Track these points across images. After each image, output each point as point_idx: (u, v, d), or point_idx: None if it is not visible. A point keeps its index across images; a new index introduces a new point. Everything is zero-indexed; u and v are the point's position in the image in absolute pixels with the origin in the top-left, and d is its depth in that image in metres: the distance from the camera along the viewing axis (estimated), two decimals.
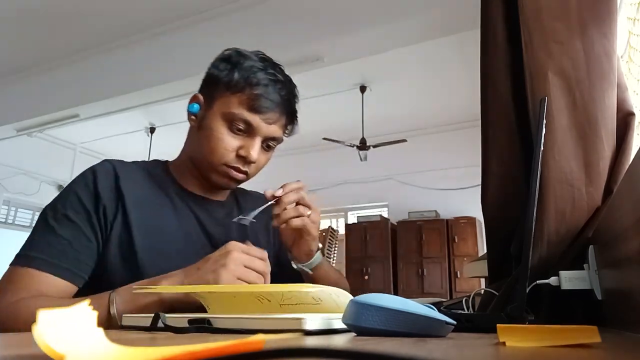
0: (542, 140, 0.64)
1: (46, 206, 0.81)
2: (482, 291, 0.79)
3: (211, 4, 3.70)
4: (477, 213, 5.56)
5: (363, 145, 5.15)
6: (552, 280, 0.63)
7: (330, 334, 0.48)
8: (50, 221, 0.78)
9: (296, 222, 0.84)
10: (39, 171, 6.51)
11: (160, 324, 0.52)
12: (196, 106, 0.89)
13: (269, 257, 0.81)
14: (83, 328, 0.22)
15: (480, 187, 0.85)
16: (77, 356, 0.19)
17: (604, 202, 0.69)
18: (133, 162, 0.91)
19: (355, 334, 0.45)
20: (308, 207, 0.86)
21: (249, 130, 0.85)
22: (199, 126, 0.88)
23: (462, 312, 0.75)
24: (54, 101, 4.52)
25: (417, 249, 5.94)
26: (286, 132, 0.92)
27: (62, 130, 5.49)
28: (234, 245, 0.72)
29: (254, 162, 0.86)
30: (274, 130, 0.87)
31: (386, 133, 5.83)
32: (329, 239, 5.44)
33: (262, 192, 1.01)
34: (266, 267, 0.73)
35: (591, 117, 0.71)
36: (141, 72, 4.01)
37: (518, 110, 0.78)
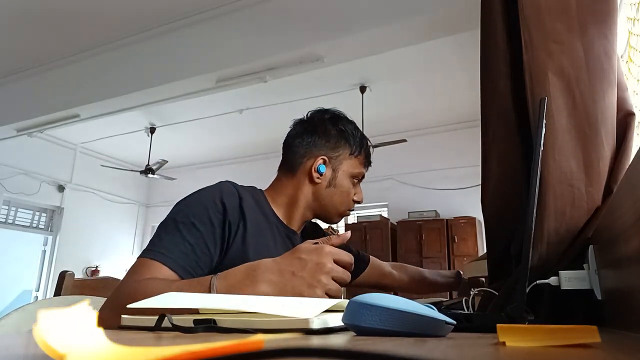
0: (542, 140, 0.64)
1: (174, 210, 0.92)
2: (482, 291, 0.79)
3: (211, 4, 3.70)
4: (477, 213, 5.56)
5: None
6: (552, 280, 0.63)
7: (330, 334, 0.48)
8: (179, 225, 0.88)
9: None
10: (39, 171, 6.51)
11: (166, 324, 0.52)
12: (323, 167, 1.08)
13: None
14: (83, 328, 0.22)
15: (480, 187, 0.85)
16: (77, 356, 0.19)
17: (604, 202, 0.69)
18: (242, 186, 1.03)
19: (355, 334, 0.45)
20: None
21: (360, 180, 1.13)
22: (329, 184, 1.07)
23: (462, 312, 0.75)
24: (54, 101, 4.52)
25: (417, 248, 5.94)
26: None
27: (62, 130, 5.49)
28: (328, 253, 0.76)
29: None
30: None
31: (386, 133, 5.83)
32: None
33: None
34: (348, 276, 0.79)
35: (591, 117, 0.71)
36: (141, 72, 4.01)
37: (518, 110, 0.78)
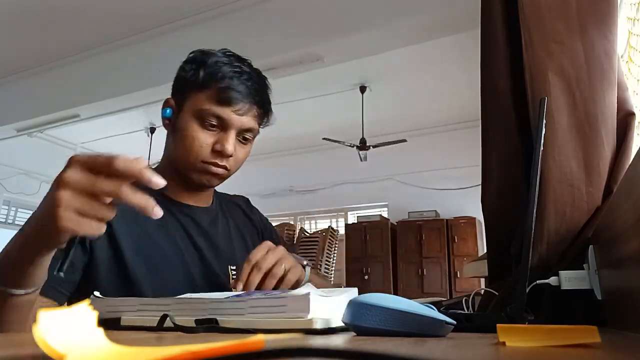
0: (542, 140, 0.64)
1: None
2: (482, 291, 0.79)
3: (211, 4, 3.70)
4: (477, 213, 5.56)
5: (363, 145, 5.15)
6: (552, 280, 0.63)
7: (330, 334, 0.48)
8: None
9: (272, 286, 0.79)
10: (39, 171, 6.51)
11: (169, 324, 0.51)
12: (169, 110, 0.89)
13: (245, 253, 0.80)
14: (83, 328, 0.22)
15: (480, 187, 0.85)
16: (77, 356, 0.19)
17: (604, 202, 0.69)
18: None
19: (355, 334, 0.45)
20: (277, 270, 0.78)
21: (221, 125, 0.85)
22: (173, 129, 0.88)
23: (462, 312, 0.75)
24: (54, 101, 4.52)
25: (417, 249, 5.94)
26: (262, 123, 0.92)
27: (62, 130, 5.49)
28: (66, 176, 0.50)
29: (230, 156, 0.86)
30: (247, 121, 0.86)
31: (386, 133, 5.83)
32: (329, 239, 5.44)
33: (241, 195, 1.05)
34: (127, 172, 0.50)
35: (591, 117, 0.71)
36: (141, 72, 4.01)
37: (518, 110, 0.78)
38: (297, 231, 5.72)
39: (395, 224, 6.24)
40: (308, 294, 0.48)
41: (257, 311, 0.51)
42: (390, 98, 5.49)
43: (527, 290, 0.57)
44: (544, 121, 0.64)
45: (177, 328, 0.49)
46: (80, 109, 4.46)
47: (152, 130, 6.25)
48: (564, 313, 0.65)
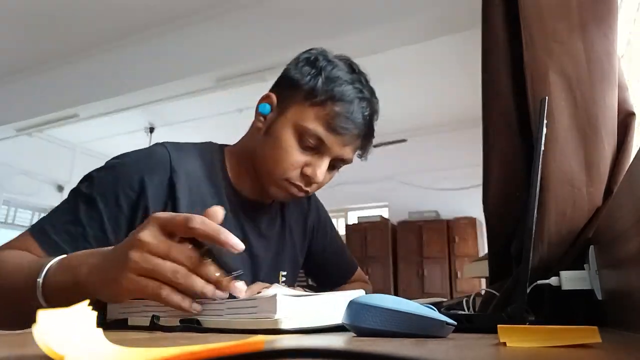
0: (543, 140, 0.63)
1: (83, 177, 0.73)
2: (483, 291, 0.79)
3: (211, 4, 3.70)
4: (477, 213, 5.56)
5: None
6: (553, 280, 0.63)
7: (331, 334, 0.48)
8: (78, 197, 0.70)
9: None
10: (39, 171, 6.51)
11: (144, 323, 0.55)
12: (267, 107, 0.79)
13: (299, 254, 0.80)
14: (83, 328, 0.22)
15: (480, 187, 0.85)
16: (77, 356, 0.19)
17: (605, 203, 0.69)
18: (189, 145, 0.82)
19: (355, 335, 0.45)
20: None
21: (319, 148, 0.76)
22: (266, 130, 0.79)
23: (463, 312, 0.75)
24: (54, 101, 4.52)
25: (417, 249, 5.94)
26: (358, 154, 0.84)
27: (62, 130, 5.49)
28: (142, 237, 0.50)
29: (317, 183, 0.79)
30: (347, 152, 0.79)
31: (386, 133, 5.83)
32: None
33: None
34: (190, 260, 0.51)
35: (592, 117, 0.71)
36: (141, 72, 4.01)
37: (518, 110, 0.78)
38: None
39: (396, 224, 6.24)
40: (275, 295, 0.49)
41: (233, 312, 0.52)
42: (390, 98, 5.49)
43: (527, 291, 0.57)
44: (545, 121, 0.64)
45: (160, 328, 0.52)
46: (80, 109, 4.46)
47: (152, 130, 6.25)
48: (564, 313, 0.65)
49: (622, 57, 1.07)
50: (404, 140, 5.22)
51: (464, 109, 5.49)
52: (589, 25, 0.73)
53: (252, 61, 3.58)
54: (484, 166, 0.84)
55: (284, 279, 0.90)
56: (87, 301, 0.24)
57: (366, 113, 0.78)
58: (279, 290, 0.51)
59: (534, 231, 0.59)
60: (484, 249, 5.46)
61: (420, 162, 6.31)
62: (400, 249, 6.07)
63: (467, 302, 0.79)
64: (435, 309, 0.46)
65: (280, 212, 0.94)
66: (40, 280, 0.56)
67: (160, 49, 3.96)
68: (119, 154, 0.78)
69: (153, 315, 0.55)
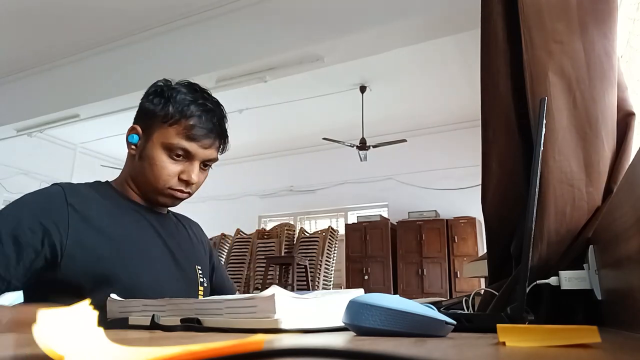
0: (542, 140, 0.64)
1: None
2: (482, 291, 0.79)
3: (211, 4, 3.70)
4: (477, 213, 5.56)
5: (363, 145, 5.16)
6: (552, 280, 0.63)
7: (330, 334, 0.48)
8: None
9: None
10: (39, 171, 6.51)
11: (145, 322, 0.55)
12: (135, 137, 0.96)
13: (204, 263, 0.97)
14: (83, 328, 0.22)
15: (480, 187, 0.85)
16: (77, 356, 0.19)
17: (604, 202, 0.69)
18: (79, 184, 0.96)
19: (355, 334, 0.45)
20: None
21: (187, 156, 0.92)
22: (140, 156, 0.94)
23: (462, 312, 0.75)
24: (54, 101, 4.52)
25: (417, 249, 5.94)
26: (219, 151, 1.00)
27: (62, 130, 5.49)
28: None
29: (194, 184, 0.94)
30: (210, 153, 0.95)
31: (386, 133, 5.84)
32: (329, 239, 5.44)
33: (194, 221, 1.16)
34: None
35: (591, 117, 0.71)
36: (141, 72, 4.01)
37: (518, 110, 0.78)
38: (297, 231, 5.72)
39: (395, 224, 6.24)
40: (273, 295, 0.49)
41: (232, 312, 0.53)
42: (390, 98, 5.50)
43: (527, 290, 0.57)
44: (544, 121, 0.64)
45: (160, 327, 0.53)
46: (80, 109, 4.46)
47: None
48: (564, 313, 0.65)
49: (622, 57, 1.07)
50: (404, 140, 5.22)
51: (464, 109, 5.49)
52: (589, 25, 0.73)
53: (252, 61, 3.58)
54: (483, 166, 0.84)
55: (200, 272, 1.00)
56: (88, 301, 0.24)
57: (214, 120, 0.95)
58: (277, 290, 0.51)
59: (533, 231, 0.59)
60: (483, 248, 5.46)
61: (420, 162, 6.31)
62: (399, 248, 6.07)
63: (467, 301, 0.79)
64: (435, 308, 0.46)
65: (178, 222, 1.08)
66: None
67: (161, 49, 3.96)
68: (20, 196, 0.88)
69: (153, 315, 0.56)
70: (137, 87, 4.03)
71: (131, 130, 0.97)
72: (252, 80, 3.77)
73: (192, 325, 0.53)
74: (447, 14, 2.95)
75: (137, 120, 0.99)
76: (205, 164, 0.97)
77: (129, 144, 0.97)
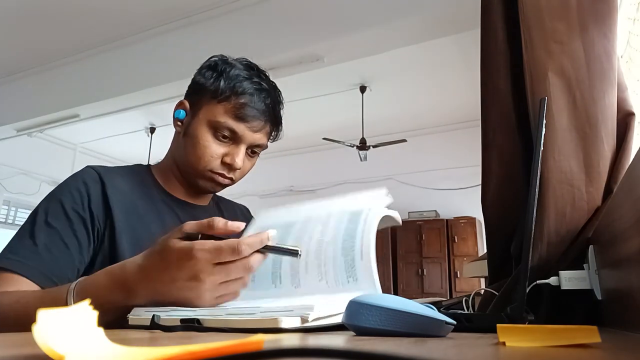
0: (542, 140, 0.64)
1: (32, 211, 0.80)
2: (482, 291, 0.79)
3: (211, 4, 3.70)
4: (477, 213, 5.56)
5: (363, 145, 5.15)
6: (552, 280, 0.63)
7: (330, 334, 0.48)
8: (31, 225, 0.77)
9: None
10: (39, 171, 6.51)
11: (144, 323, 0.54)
12: (182, 112, 0.90)
13: None
14: (83, 328, 0.22)
15: (480, 187, 0.85)
16: (77, 356, 0.19)
17: (604, 202, 0.69)
18: (116, 167, 0.91)
19: (355, 334, 0.45)
20: None
21: (234, 138, 0.86)
22: (184, 132, 0.88)
23: (462, 312, 0.75)
24: (54, 101, 4.52)
25: (417, 249, 5.94)
26: (270, 138, 0.94)
27: (62, 130, 5.49)
28: (201, 261, 0.58)
29: (238, 169, 0.88)
30: (259, 137, 0.88)
31: (386, 133, 5.83)
32: None
33: (243, 204, 1.09)
34: (244, 266, 0.59)
35: (591, 117, 0.71)
36: (141, 72, 4.01)
37: (518, 110, 0.78)
38: None
39: None
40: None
41: (233, 311, 0.53)
42: (390, 98, 5.49)
43: (527, 290, 0.57)
44: (544, 121, 0.64)
45: (160, 327, 0.52)
46: (80, 109, 4.46)
47: (152, 130, 6.25)
48: (564, 313, 0.65)
49: (622, 57, 1.07)
50: (404, 140, 5.22)
51: (464, 109, 5.49)
52: (589, 25, 0.73)
53: (252, 61, 3.58)
54: (483, 166, 0.84)
55: None
56: (88, 300, 0.24)
57: (267, 101, 0.88)
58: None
59: (533, 231, 0.59)
60: (483, 248, 5.46)
61: (420, 162, 6.31)
62: (399, 248, 6.07)
63: (467, 301, 0.79)
64: (435, 308, 0.46)
65: (219, 213, 1.01)
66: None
67: (161, 50, 3.96)
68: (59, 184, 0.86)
69: (153, 315, 0.55)
70: (137, 87, 4.03)
71: (179, 105, 0.91)
72: None
73: (192, 325, 0.53)
74: (447, 14, 2.94)
75: (186, 95, 0.92)
76: (254, 151, 0.91)
77: (175, 120, 0.90)
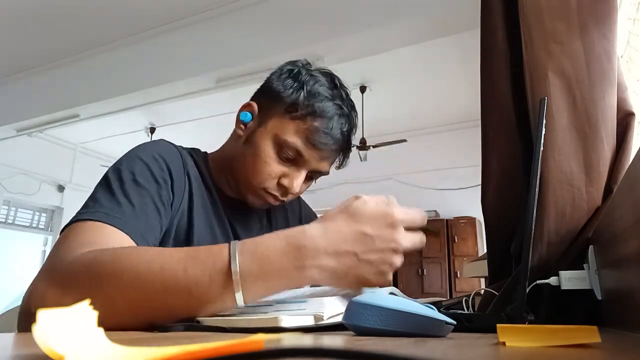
0: (542, 140, 0.64)
1: (108, 172, 0.69)
2: (482, 291, 0.79)
3: (211, 4, 3.70)
4: (477, 213, 5.56)
5: (363, 145, 5.15)
6: (552, 280, 0.63)
7: (330, 334, 0.48)
8: (119, 183, 0.66)
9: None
10: (39, 171, 6.51)
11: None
12: (249, 116, 0.81)
13: None
14: (83, 328, 0.22)
15: (480, 187, 0.85)
16: (77, 356, 0.19)
17: (604, 202, 0.69)
18: (182, 147, 0.83)
19: (355, 334, 0.45)
20: None
21: (297, 160, 0.78)
22: (246, 139, 0.80)
23: (462, 312, 0.75)
24: (54, 101, 4.52)
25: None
26: (336, 165, 0.86)
27: (62, 130, 5.49)
28: (399, 221, 0.55)
29: (293, 194, 0.81)
30: (324, 165, 0.81)
31: (386, 133, 5.83)
32: None
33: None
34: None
35: (591, 117, 0.71)
36: (141, 72, 4.01)
37: (518, 110, 0.78)
38: None
39: None
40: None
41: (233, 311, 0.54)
42: (390, 98, 5.49)
43: (527, 290, 0.57)
44: (544, 121, 0.64)
45: (160, 327, 0.52)
46: (80, 109, 4.46)
47: (152, 130, 6.25)
48: (564, 313, 0.65)
49: (622, 57, 1.07)
50: (404, 140, 5.22)
51: (464, 109, 5.49)
52: (589, 25, 0.73)
53: (252, 61, 3.58)
54: (483, 166, 0.84)
55: None
56: (88, 300, 0.24)
57: (345, 129, 0.80)
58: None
59: (533, 231, 0.59)
60: (483, 248, 5.46)
61: (420, 162, 6.31)
62: None
63: (467, 301, 0.79)
64: (435, 308, 0.46)
65: (266, 211, 0.94)
66: (236, 269, 0.51)
67: (161, 49, 3.96)
68: (133, 147, 0.76)
69: None
70: (137, 87, 4.03)
71: (246, 107, 0.82)
72: (252, 81, 3.76)
73: (191, 325, 0.53)
74: (447, 14, 2.94)
75: (256, 97, 0.83)
76: (313, 176, 0.82)
77: (239, 121, 0.81)
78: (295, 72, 0.80)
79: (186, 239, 0.74)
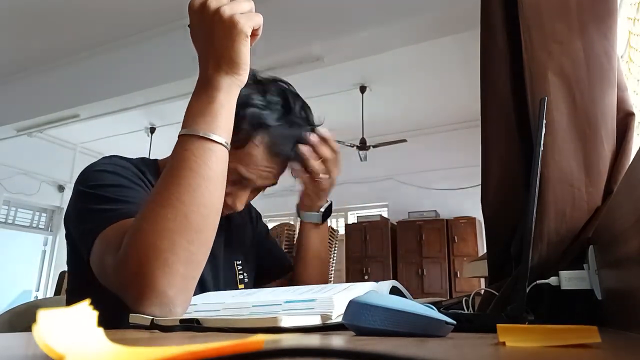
0: (542, 140, 0.63)
1: (80, 192, 0.71)
2: (482, 291, 0.79)
3: None
4: (477, 213, 5.56)
5: (363, 145, 5.16)
6: (552, 280, 0.63)
7: (330, 334, 0.48)
8: (104, 196, 0.68)
9: (324, 182, 0.88)
10: (39, 171, 6.51)
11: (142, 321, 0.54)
12: None
13: (248, 252, 0.85)
14: (83, 328, 0.22)
15: (480, 187, 0.85)
16: (77, 356, 0.19)
17: (604, 202, 0.69)
18: (133, 159, 0.86)
19: (355, 334, 0.45)
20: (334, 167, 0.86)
21: (241, 182, 0.81)
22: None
23: (462, 312, 0.75)
24: (54, 101, 4.52)
25: (417, 249, 5.94)
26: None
27: (62, 130, 5.49)
28: None
29: (236, 211, 0.85)
30: (269, 182, 0.85)
31: (386, 133, 5.84)
32: (329, 239, 5.44)
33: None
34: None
35: (591, 117, 0.71)
36: (141, 72, 4.01)
37: (518, 110, 0.78)
38: (298, 231, 5.72)
39: (395, 224, 6.24)
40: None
41: (230, 313, 0.54)
42: (390, 98, 5.50)
43: (527, 290, 0.57)
44: (544, 121, 0.64)
45: (160, 327, 0.52)
46: (80, 109, 4.46)
47: (152, 130, 6.25)
48: (564, 313, 0.65)
49: (622, 57, 1.07)
50: (404, 140, 5.22)
51: (464, 109, 5.49)
52: (589, 25, 0.73)
53: (252, 62, 3.58)
54: (482, 166, 0.84)
55: (239, 267, 0.92)
56: (88, 300, 0.24)
57: (286, 147, 0.83)
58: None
59: (533, 231, 0.59)
60: (483, 248, 5.47)
61: (420, 162, 6.31)
62: (399, 248, 6.07)
63: (467, 301, 0.78)
64: (435, 308, 0.46)
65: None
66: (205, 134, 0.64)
67: (161, 49, 3.96)
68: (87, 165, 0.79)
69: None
70: (136, 87, 4.04)
71: None
72: None
73: (191, 325, 0.53)
74: (447, 14, 2.95)
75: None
76: (259, 189, 0.87)
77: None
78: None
79: None
